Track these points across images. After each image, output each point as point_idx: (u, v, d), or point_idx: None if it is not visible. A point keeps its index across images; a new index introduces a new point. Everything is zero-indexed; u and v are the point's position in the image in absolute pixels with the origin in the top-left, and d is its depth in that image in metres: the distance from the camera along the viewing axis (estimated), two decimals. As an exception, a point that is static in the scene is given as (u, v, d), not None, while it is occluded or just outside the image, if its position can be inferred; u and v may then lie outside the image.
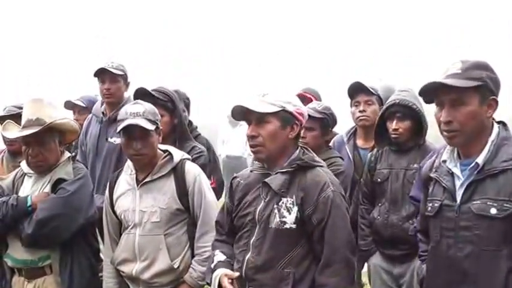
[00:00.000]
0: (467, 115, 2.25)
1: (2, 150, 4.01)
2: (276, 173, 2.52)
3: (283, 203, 2.48)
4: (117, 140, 4.16)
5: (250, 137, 2.52)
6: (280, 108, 2.48)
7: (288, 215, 2.47)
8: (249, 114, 2.52)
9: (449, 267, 2.33)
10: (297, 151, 2.56)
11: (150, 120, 2.99)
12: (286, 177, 2.49)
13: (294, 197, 2.47)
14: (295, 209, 2.46)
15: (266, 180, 2.52)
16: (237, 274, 2.56)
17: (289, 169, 2.50)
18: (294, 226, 2.46)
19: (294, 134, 2.53)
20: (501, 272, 2.22)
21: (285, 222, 2.46)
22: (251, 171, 2.66)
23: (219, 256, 2.66)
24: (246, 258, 2.54)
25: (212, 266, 2.64)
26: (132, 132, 2.98)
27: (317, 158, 2.60)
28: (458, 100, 2.25)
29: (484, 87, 2.25)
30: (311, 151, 2.63)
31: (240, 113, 2.54)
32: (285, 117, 2.49)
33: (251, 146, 2.55)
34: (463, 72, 2.25)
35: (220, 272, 2.57)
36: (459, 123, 2.26)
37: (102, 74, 4.30)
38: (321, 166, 2.57)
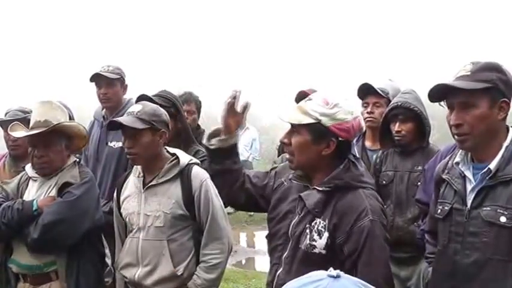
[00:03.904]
0: (476, 118, 2.19)
1: (3, 155, 3.97)
2: (313, 189, 2.30)
3: (315, 223, 2.26)
4: (116, 144, 4.14)
5: (284, 143, 2.37)
6: (314, 121, 2.22)
7: (318, 238, 2.25)
8: None
9: (455, 273, 2.29)
10: (341, 167, 2.28)
11: (142, 120, 2.93)
12: (322, 196, 2.26)
13: (326, 221, 2.24)
14: (326, 234, 2.23)
15: (302, 194, 2.31)
16: None
17: (326, 188, 2.26)
18: (323, 252, 2.24)
19: (329, 151, 2.25)
20: (507, 283, 2.16)
21: (314, 246, 2.25)
22: (290, 179, 2.44)
23: None
24: (277, 273, 2.40)
25: None
26: (124, 131, 2.98)
27: (363, 177, 2.31)
28: (467, 103, 2.20)
29: (494, 90, 2.18)
30: (359, 166, 2.33)
31: None
32: (319, 131, 2.23)
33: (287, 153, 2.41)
34: (472, 74, 2.20)
35: None
36: (469, 126, 2.21)
37: (98, 79, 4.26)
38: (364, 187, 2.28)
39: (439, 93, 2.26)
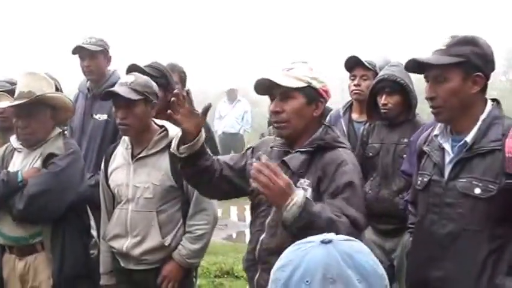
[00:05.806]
0: (448, 91, 2.25)
1: None
2: (296, 152, 2.40)
3: (300, 184, 2.32)
4: (101, 117, 4.12)
5: (274, 113, 2.40)
6: (306, 84, 2.36)
7: None
8: (272, 89, 2.40)
9: (431, 243, 2.34)
10: (320, 130, 2.43)
11: (135, 91, 2.94)
12: (306, 157, 2.36)
13: (310, 178, 2.32)
14: (309, 191, 2.30)
15: (285, 159, 2.39)
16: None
17: (309, 149, 2.37)
18: None
19: (318, 112, 2.41)
20: (481, 253, 2.22)
21: None
22: (271, 147, 2.52)
23: None
24: (261, 238, 2.43)
25: None
26: (116, 101, 2.97)
27: (341, 139, 2.47)
28: (440, 76, 2.26)
29: (467, 64, 2.23)
30: (335, 130, 2.50)
31: (263, 88, 2.42)
32: (310, 93, 2.37)
33: (274, 122, 2.44)
34: (447, 48, 2.26)
35: None
36: (442, 99, 2.27)
37: (80, 51, 4.20)
38: (344, 147, 2.42)
39: (413, 67, 2.34)
